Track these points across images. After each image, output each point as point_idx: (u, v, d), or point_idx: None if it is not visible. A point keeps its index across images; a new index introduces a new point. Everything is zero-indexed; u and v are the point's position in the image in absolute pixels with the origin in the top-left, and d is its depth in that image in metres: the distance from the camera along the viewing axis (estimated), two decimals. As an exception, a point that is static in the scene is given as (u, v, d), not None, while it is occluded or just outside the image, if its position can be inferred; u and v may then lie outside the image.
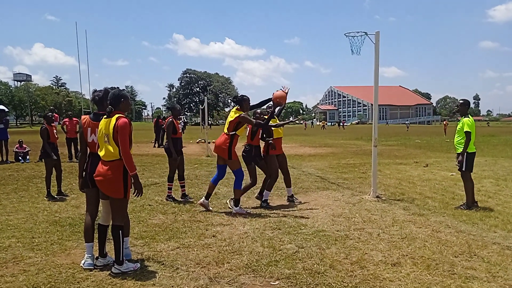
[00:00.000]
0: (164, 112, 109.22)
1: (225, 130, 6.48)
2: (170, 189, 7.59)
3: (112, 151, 3.90)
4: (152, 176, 10.49)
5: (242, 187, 6.64)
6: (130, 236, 4.81)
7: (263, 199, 7.16)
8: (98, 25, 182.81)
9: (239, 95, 6.71)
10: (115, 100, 4.00)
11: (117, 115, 3.93)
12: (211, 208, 6.69)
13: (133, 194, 4.03)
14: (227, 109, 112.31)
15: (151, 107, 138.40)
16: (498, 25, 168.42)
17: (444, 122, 39.61)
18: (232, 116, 6.44)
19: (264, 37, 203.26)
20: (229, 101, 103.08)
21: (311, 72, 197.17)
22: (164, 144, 7.46)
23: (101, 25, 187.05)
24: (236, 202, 6.54)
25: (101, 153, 4.00)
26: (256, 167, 6.99)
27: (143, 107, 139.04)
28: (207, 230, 5.50)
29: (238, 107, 6.53)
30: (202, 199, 6.67)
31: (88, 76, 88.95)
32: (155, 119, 23.38)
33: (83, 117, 4.53)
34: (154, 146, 21.40)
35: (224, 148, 6.37)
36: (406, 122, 65.78)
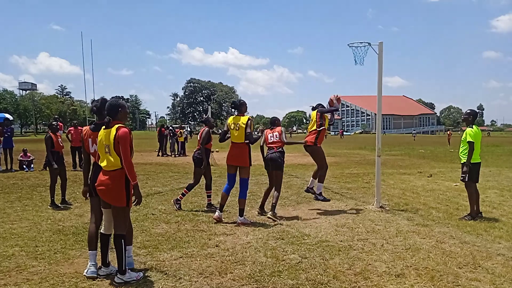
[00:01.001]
0: (168, 121, 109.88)
1: (238, 140, 6.44)
2: (209, 196, 7.73)
3: (113, 161, 3.92)
4: (156, 185, 10.50)
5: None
6: (133, 245, 4.82)
7: (318, 193, 7.73)
8: (103, 35, 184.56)
9: (236, 100, 6.84)
10: (112, 110, 4.03)
11: (116, 125, 3.95)
12: (223, 219, 6.62)
13: (133, 203, 4.06)
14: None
15: (155, 116, 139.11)
16: (501, 35, 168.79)
17: (448, 132, 39.57)
18: (242, 124, 6.39)
19: (267, 46, 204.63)
20: (233, 110, 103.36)
21: (315, 81, 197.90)
22: (195, 153, 7.55)
23: (106, 35, 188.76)
24: (241, 212, 6.51)
25: (103, 164, 4.02)
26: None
27: (147, 116, 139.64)
28: (210, 240, 5.49)
29: (238, 113, 6.58)
30: (217, 212, 6.56)
31: (93, 85, 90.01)
32: (159, 128, 23.45)
33: (84, 128, 4.58)
34: (158, 155, 21.45)
35: (246, 157, 6.41)
36: (414, 132, 65.91)
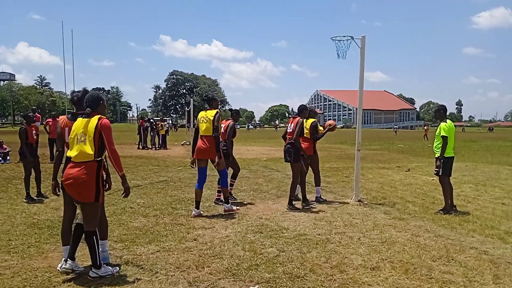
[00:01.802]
0: (149, 113, 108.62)
1: (207, 133, 6.45)
2: (231, 185, 7.88)
3: (89, 152, 3.81)
4: (135, 178, 10.38)
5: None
6: (109, 240, 4.76)
7: (318, 195, 7.72)
8: (84, 25, 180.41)
9: (209, 94, 6.93)
10: (93, 102, 3.95)
11: (97, 116, 3.89)
12: (202, 212, 6.62)
13: (122, 195, 4.02)
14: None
15: (137, 108, 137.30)
16: (482, 32, 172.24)
17: (425, 127, 40.21)
18: (211, 117, 6.45)
19: (251, 39, 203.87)
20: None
21: (298, 75, 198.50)
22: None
23: (87, 25, 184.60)
24: (227, 199, 6.71)
25: (73, 153, 3.88)
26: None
27: (128, 108, 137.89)
28: (188, 234, 5.46)
29: (208, 107, 6.67)
30: (194, 211, 6.50)
31: (73, 76, 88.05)
32: (140, 120, 23.15)
33: (60, 117, 4.48)
34: (138, 148, 21.22)
35: (214, 150, 6.41)
36: (395, 126, 67.00)
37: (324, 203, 7.55)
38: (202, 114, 6.63)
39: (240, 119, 8.69)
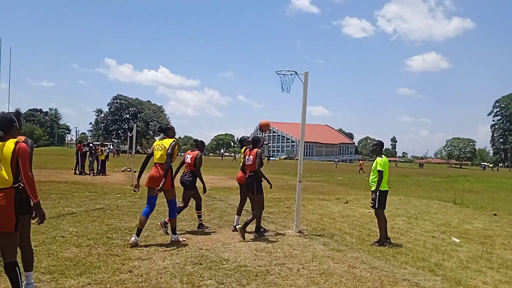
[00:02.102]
0: (89, 137, 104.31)
1: (161, 160, 6.39)
2: (200, 216, 7.96)
3: (7, 177, 3.55)
4: (69, 205, 9.82)
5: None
6: (36, 271, 4.44)
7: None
8: (24, 43, 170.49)
9: (163, 125, 6.92)
10: (6, 125, 3.70)
11: (14, 139, 3.64)
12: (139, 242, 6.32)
13: (36, 222, 3.75)
14: (157, 138, 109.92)
15: (76, 131, 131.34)
16: (414, 74, 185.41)
17: (361, 162, 42.40)
18: (166, 145, 6.42)
19: (199, 68, 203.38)
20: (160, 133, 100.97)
21: (244, 106, 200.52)
22: (184, 176, 7.70)
23: (27, 43, 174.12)
24: (174, 230, 6.60)
25: None
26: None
27: (67, 132, 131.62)
28: (123, 265, 5.21)
29: (165, 136, 6.67)
30: (133, 237, 6.22)
31: (9, 96, 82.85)
32: (78, 144, 22.12)
33: None
34: (75, 173, 20.19)
35: (168, 178, 6.36)
36: (336, 160, 69.35)
37: (265, 233, 7.56)
38: (157, 142, 6.62)
39: (185, 146, 8.78)
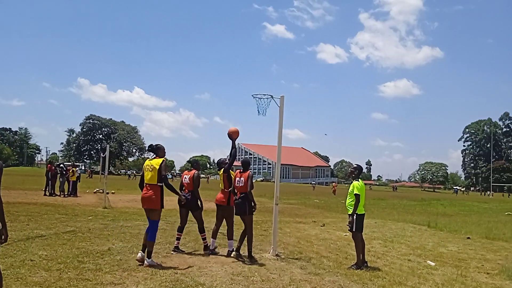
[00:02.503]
0: (60, 158, 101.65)
1: (152, 181, 6.44)
2: (204, 239, 7.77)
3: None
4: (38, 228, 9.45)
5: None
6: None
7: (230, 249, 7.52)
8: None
9: (154, 144, 6.88)
10: None
11: None
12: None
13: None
14: (131, 159, 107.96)
15: (47, 151, 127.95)
16: (387, 100, 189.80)
17: (334, 184, 43.30)
18: (156, 165, 6.46)
19: (174, 89, 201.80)
20: (134, 150, 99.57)
21: (220, 128, 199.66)
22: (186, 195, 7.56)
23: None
24: (149, 254, 6.42)
25: None
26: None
27: (37, 152, 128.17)
28: (95, 290, 5.01)
29: (155, 156, 6.71)
30: (140, 253, 6.44)
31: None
32: (49, 165, 21.47)
33: None
34: (45, 194, 19.55)
35: (157, 199, 6.42)
36: (313, 182, 69.96)
37: (241, 257, 7.44)
38: (147, 162, 6.67)
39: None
